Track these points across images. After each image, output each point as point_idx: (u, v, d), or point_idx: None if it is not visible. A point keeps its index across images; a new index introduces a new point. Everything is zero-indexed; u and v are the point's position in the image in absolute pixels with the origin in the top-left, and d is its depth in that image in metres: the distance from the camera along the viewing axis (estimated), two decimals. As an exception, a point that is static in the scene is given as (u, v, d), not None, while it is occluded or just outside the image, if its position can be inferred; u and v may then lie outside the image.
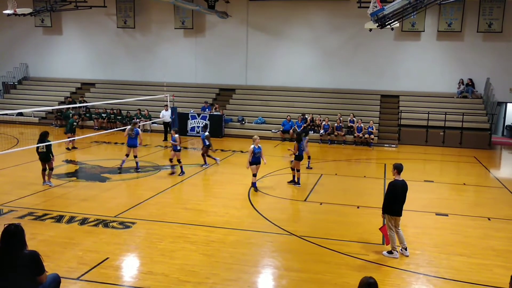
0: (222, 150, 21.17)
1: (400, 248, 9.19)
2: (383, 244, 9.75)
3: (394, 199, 8.98)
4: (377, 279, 5.24)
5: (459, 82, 26.12)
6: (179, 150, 15.95)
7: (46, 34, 32.49)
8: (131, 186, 14.54)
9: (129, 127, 16.58)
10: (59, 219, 10.85)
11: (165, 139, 23.48)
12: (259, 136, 14.30)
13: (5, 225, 5.72)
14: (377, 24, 20.02)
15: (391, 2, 18.83)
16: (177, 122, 22.17)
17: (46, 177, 13.89)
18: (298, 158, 14.66)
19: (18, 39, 32.71)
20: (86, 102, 28.08)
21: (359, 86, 27.42)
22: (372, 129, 23.82)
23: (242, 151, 20.97)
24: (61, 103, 29.43)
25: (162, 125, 24.15)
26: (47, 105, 27.54)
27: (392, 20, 20.31)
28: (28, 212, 11.27)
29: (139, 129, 16.48)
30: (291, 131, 24.43)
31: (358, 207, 12.58)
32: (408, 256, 9.11)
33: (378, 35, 25.42)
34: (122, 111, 27.61)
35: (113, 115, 27.42)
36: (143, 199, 12.73)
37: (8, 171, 15.67)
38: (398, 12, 19.46)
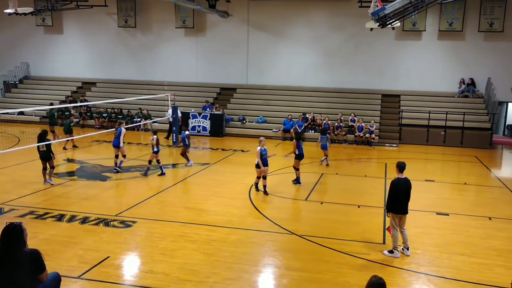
0: (223, 149, 21.17)
1: (402, 247, 9.18)
2: (383, 243, 9.75)
3: (396, 197, 8.97)
4: (378, 279, 5.23)
5: (460, 82, 26.09)
6: (157, 152, 15.57)
7: (47, 33, 32.50)
8: (132, 185, 14.54)
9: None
10: (60, 218, 10.86)
11: (167, 137, 23.50)
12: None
13: (6, 223, 5.72)
14: (378, 24, 20.00)
15: (392, 1, 18.79)
16: (177, 121, 22.14)
17: (47, 176, 13.90)
18: (298, 157, 14.65)
19: (19, 38, 32.72)
20: (87, 101, 28.09)
21: (360, 86, 27.39)
22: (373, 128, 23.80)
23: (243, 150, 20.97)
24: (62, 102, 29.44)
25: (168, 124, 24.06)
26: (48, 104, 27.55)
27: (393, 20, 20.29)
28: (29, 211, 11.28)
29: (122, 129, 15.98)
30: (291, 130, 24.42)
31: (359, 207, 12.58)
32: (409, 255, 9.10)
33: (379, 35, 25.40)
34: (123, 110, 27.61)
35: (114, 114, 27.43)
36: (144, 198, 12.73)
37: (9, 170, 15.68)
38: (399, 12, 19.43)
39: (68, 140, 19.94)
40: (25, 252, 5.65)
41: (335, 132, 24.18)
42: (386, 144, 23.86)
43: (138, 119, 26.37)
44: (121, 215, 11.15)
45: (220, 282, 7.81)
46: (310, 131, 25.07)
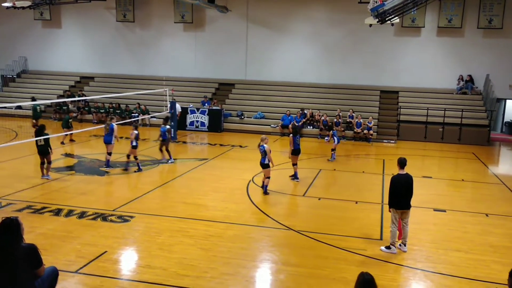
0: (221, 145, 21.18)
1: (399, 243, 9.20)
2: (381, 239, 9.78)
3: (396, 193, 8.99)
4: (375, 274, 5.24)
5: (459, 78, 26.11)
6: (136, 147, 15.35)
7: (45, 27, 32.40)
8: (129, 180, 14.54)
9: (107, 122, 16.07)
10: (57, 212, 10.86)
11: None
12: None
13: (3, 218, 5.72)
14: (377, 20, 19.99)
15: (391, -3, 18.76)
16: (175, 116, 22.14)
17: (45, 171, 13.88)
18: (295, 152, 14.65)
19: (17, 32, 32.62)
20: (85, 96, 28.04)
21: (359, 82, 27.39)
22: (371, 124, 23.82)
23: (241, 146, 20.97)
24: (60, 96, 29.40)
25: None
26: (46, 99, 27.54)
27: (392, 16, 20.28)
28: (26, 205, 11.27)
29: (114, 125, 15.69)
30: (290, 126, 24.42)
31: (356, 203, 12.60)
32: (406, 251, 9.13)
33: (378, 31, 25.36)
34: (121, 105, 27.57)
35: (112, 109, 27.39)
36: (142, 193, 12.73)
37: (6, 165, 15.66)
38: (398, 8, 19.43)
39: (66, 135, 19.92)
40: (22, 247, 5.65)
41: (334, 128, 24.13)
42: (384, 141, 23.89)
43: (136, 114, 26.33)
44: (119, 210, 11.15)
45: (217, 277, 7.82)
46: (309, 127, 25.07)
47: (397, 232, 9.13)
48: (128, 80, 30.17)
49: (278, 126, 25.03)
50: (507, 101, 28.25)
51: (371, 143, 23.36)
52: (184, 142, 22.06)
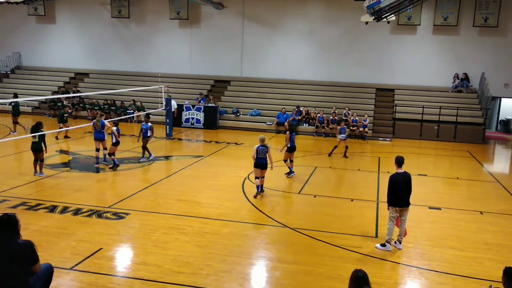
0: (216, 142, 21.14)
1: (395, 241, 9.22)
2: (376, 237, 9.80)
3: (395, 192, 9.01)
4: (370, 272, 5.26)
5: (454, 77, 26.17)
6: (116, 144, 15.12)
7: (39, 23, 32.22)
8: (125, 177, 14.49)
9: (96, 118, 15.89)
10: (52, 209, 10.81)
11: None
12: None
13: (0, 214, 5.69)
14: (373, 17, 20.02)
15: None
16: (171, 113, 22.09)
17: (38, 168, 13.80)
18: (290, 149, 14.65)
19: (11, 27, 32.42)
20: (80, 92, 27.91)
21: (355, 79, 27.42)
22: (367, 122, 23.85)
23: (236, 143, 20.95)
24: (54, 93, 29.27)
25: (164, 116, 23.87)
26: (40, 95, 27.43)
27: (389, 13, 20.32)
28: (21, 202, 11.22)
29: (105, 121, 15.59)
30: (286, 123, 24.41)
31: (352, 200, 12.62)
32: (401, 249, 9.15)
33: (374, 28, 25.40)
34: (116, 101, 27.47)
35: (107, 106, 27.28)
36: (137, 190, 12.70)
37: (0, 161, 15.57)
38: (394, 5, 19.46)
39: (61, 131, 19.84)
40: (19, 244, 5.63)
41: (330, 126, 24.21)
42: (380, 138, 23.93)
43: (132, 111, 26.25)
44: (114, 207, 11.12)
45: (213, 274, 7.81)
46: (304, 124, 25.08)
47: (394, 229, 9.15)
48: (123, 76, 30.07)
49: (273, 123, 25.01)
50: (502, 99, 28.39)
51: (367, 141, 23.39)
52: (180, 139, 22.01)
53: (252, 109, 26.51)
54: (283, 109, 25.09)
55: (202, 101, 26.34)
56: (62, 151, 17.79)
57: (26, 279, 5.69)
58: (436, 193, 13.98)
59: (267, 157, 12.40)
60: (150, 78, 28.60)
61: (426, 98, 25.62)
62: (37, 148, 13.62)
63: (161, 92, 23.13)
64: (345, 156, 18.31)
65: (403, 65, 26.92)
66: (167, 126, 21.93)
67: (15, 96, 24.38)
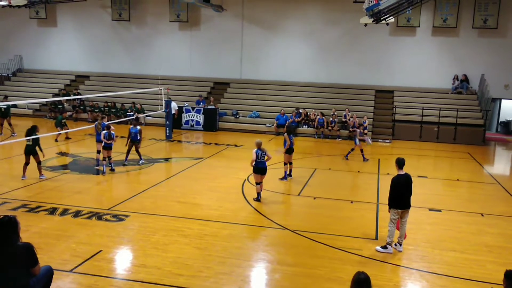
0: (216, 144, 21.14)
1: (395, 243, 9.20)
2: (376, 239, 9.79)
3: (397, 194, 9.01)
4: (370, 274, 5.25)
5: (454, 78, 26.17)
6: (108, 147, 14.76)
7: (41, 26, 32.24)
8: (124, 179, 14.49)
9: (98, 121, 15.82)
10: (52, 211, 10.81)
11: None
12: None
13: (0, 216, 5.69)
14: (372, 19, 20.04)
15: (387, -3, 18.81)
16: (171, 115, 22.11)
17: (31, 171, 13.60)
18: (289, 151, 14.63)
19: (13, 30, 32.43)
20: (81, 95, 27.93)
21: (354, 81, 27.41)
22: (366, 124, 23.84)
23: (236, 145, 20.95)
24: (55, 95, 29.29)
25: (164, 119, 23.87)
26: (41, 97, 27.44)
27: (387, 15, 20.33)
28: (21, 204, 11.22)
29: (106, 123, 15.41)
30: (286, 125, 24.40)
31: (351, 202, 12.61)
32: (401, 251, 9.14)
33: (373, 30, 25.39)
34: (116, 104, 27.47)
35: (107, 108, 27.28)
36: (137, 192, 12.70)
37: (1, 163, 15.57)
38: (393, 7, 19.48)
39: (60, 133, 19.84)
40: (18, 246, 5.63)
41: (329, 128, 24.21)
42: (379, 140, 23.91)
43: (132, 113, 26.24)
44: (114, 209, 11.12)
45: (212, 276, 7.81)
46: (304, 126, 25.07)
47: (395, 231, 9.14)
48: (124, 79, 30.05)
49: (273, 125, 25.01)
50: (502, 100, 28.37)
51: (366, 142, 23.35)
52: (179, 141, 22.01)
53: (252, 111, 26.51)
54: (282, 111, 25.08)
55: (202, 103, 26.34)
56: (62, 153, 17.79)
57: (26, 281, 5.70)
58: (436, 195, 13.97)
59: (265, 160, 12.30)
60: (150, 81, 28.60)
61: (425, 99, 25.61)
62: (30, 151, 13.54)
63: (161, 94, 23.14)
64: (364, 159, 18.25)
65: (403, 66, 26.92)
66: (167, 128, 21.93)
67: (5, 98, 24.35)
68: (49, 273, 6.27)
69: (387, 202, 9.24)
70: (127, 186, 13.87)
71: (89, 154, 17.40)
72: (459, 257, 9.03)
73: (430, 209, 12.13)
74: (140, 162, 16.37)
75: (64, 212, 10.78)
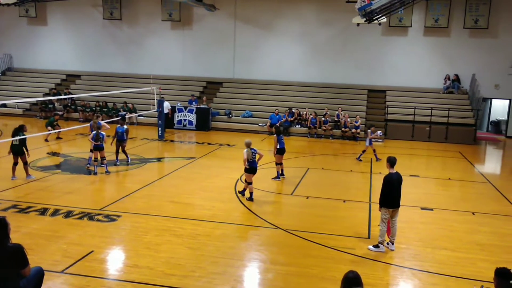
0: (209, 144, 21.09)
1: (387, 242, 9.22)
2: (369, 238, 9.81)
3: (390, 193, 9.02)
4: (363, 273, 5.26)
5: (445, 78, 26.30)
6: (100, 148, 14.61)
7: (31, 25, 32.00)
8: (116, 179, 14.41)
9: (93, 120, 15.74)
10: (43, 212, 10.72)
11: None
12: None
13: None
14: (364, 19, 20.09)
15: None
16: (163, 115, 22.04)
17: (19, 172, 13.48)
18: (280, 151, 14.58)
19: (2, 29, 32.17)
20: (71, 94, 27.74)
21: (347, 81, 27.47)
22: (358, 123, 23.91)
23: (229, 145, 20.92)
24: (45, 94, 29.08)
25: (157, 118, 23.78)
26: (32, 97, 27.25)
27: (380, 15, 20.40)
28: (11, 205, 11.12)
29: (102, 122, 15.48)
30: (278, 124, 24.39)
31: (344, 201, 12.62)
32: (393, 250, 9.16)
33: (365, 30, 25.45)
34: (108, 103, 27.33)
35: (98, 108, 27.14)
36: (129, 192, 12.63)
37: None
38: (385, 7, 19.55)
39: (50, 133, 19.70)
40: (8, 247, 5.57)
41: (322, 127, 24.24)
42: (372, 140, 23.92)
43: (124, 113, 26.09)
44: (106, 209, 11.05)
45: (205, 276, 7.78)
46: (297, 125, 25.09)
47: (388, 229, 9.16)
48: (115, 78, 29.91)
49: (266, 125, 24.99)
50: (493, 100, 28.58)
51: (359, 141, 23.42)
52: (172, 141, 21.94)
53: (245, 110, 26.48)
54: (276, 111, 25.08)
55: (194, 102, 26.27)
56: (53, 153, 17.67)
57: (16, 283, 5.64)
58: (428, 194, 14.02)
59: (257, 160, 12.29)
60: (142, 80, 28.45)
61: (417, 99, 25.73)
62: (18, 151, 13.40)
63: (153, 94, 23.05)
64: (377, 159, 18.12)
65: (395, 66, 27.03)
66: (159, 128, 21.85)
67: None
68: (39, 274, 6.22)
69: (378, 201, 9.25)
70: (119, 186, 13.80)
71: (80, 154, 17.29)
72: (451, 255, 9.07)
73: (422, 208, 12.17)
74: (128, 161, 16.25)
75: (55, 212, 10.70)
